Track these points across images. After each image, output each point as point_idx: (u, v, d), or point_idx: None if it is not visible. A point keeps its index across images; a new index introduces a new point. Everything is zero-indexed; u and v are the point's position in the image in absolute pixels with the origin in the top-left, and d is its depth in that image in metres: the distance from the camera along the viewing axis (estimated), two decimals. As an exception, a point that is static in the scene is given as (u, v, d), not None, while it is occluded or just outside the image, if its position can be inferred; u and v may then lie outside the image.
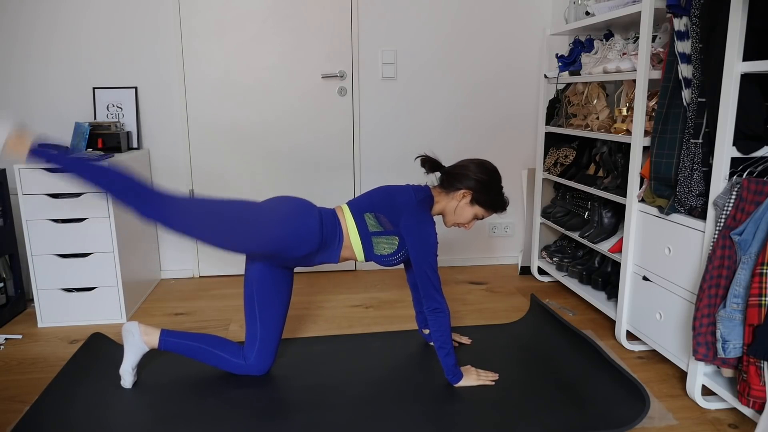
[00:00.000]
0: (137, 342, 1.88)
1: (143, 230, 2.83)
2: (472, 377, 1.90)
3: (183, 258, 3.14)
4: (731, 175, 1.70)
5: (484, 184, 1.92)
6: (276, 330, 1.91)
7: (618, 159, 2.35)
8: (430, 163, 1.95)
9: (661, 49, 2.07)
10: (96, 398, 1.85)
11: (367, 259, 1.93)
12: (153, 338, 1.89)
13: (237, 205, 1.77)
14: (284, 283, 1.91)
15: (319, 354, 2.16)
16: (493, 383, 1.89)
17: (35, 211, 2.39)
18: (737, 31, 1.59)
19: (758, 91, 1.66)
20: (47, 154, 1.72)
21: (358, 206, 1.92)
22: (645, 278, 2.10)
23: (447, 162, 2.01)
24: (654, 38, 2.08)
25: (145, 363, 2.06)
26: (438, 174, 1.99)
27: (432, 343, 2.17)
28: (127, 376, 1.89)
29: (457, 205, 1.94)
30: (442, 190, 1.96)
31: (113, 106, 2.89)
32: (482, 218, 2.00)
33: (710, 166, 1.76)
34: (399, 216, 1.86)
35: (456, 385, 1.88)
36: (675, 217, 1.92)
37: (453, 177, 1.94)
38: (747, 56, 1.60)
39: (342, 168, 3.16)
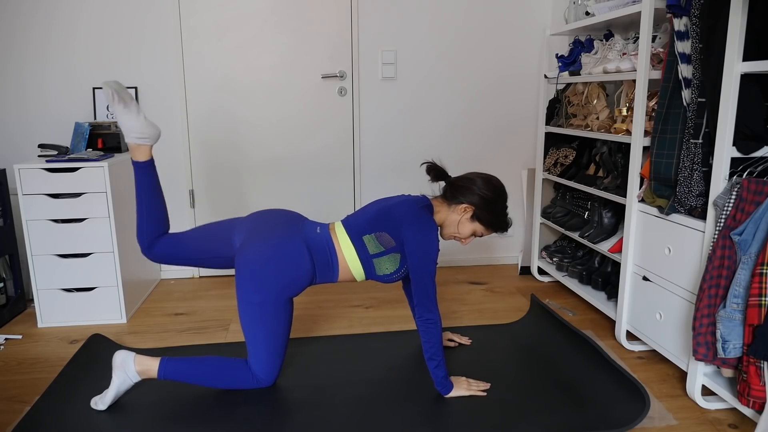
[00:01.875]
0: (130, 375, 1.76)
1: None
2: (462, 388, 1.84)
3: (183, 258, 3.14)
4: (731, 175, 1.70)
5: (488, 202, 1.86)
6: (285, 344, 1.84)
7: (618, 159, 2.35)
8: (435, 171, 1.91)
9: (661, 49, 2.07)
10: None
11: (367, 279, 1.89)
12: (148, 367, 1.77)
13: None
14: (288, 302, 1.83)
15: (319, 354, 2.16)
16: (485, 393, 1.85)
17: (35, 211, 2.39)
18: (737, 31, 1.59)
19: (758, 91, 1.66)
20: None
21: (356, 228, 1.85)
22: (645, 278, 2.10)
23: (448, 164, 1.98)
24: (654, 38, 2.08)
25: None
26: (441, 184, 1.94)
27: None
28: (101, 405, 1.77)
29: (458, 219, 1.89)
30: (444, 200, 1.91)
31: (113, 106, 2.89)
32: (481, 236, 1.94)
33: (710, 166, 1.76)
34: (400, 226, 1.80)
35: (446, 396, 1.84)
36: (675, 217, 1.92)
37: (457, 189, 1.88)
38: (747, 56, 1.60)
39: (342, 168, 3.16)
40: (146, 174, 1.85)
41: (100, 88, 2.87)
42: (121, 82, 2.89)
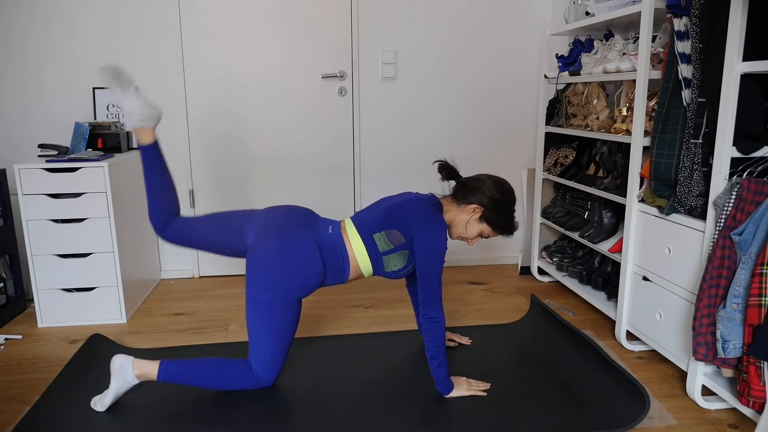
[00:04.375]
0: (129, 379, 1.76)
1: (143, 230, 2.83)
2: (462, 388, 1.85)
3: (183, 258, 3.14)
4: (731, 175, 1.70)
5: (497, 203, 1.87)
6: (289, 345, 1.84)
7: (618, 159, 2.35)
8: (447, 170, 1.91)
9: (661, 49, 2.07)
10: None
11: (374, 275, 1.90)
12: (146, 370, 1.76)
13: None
14: (297, 304, 1.83)
15: (319, 354, 2.16)
16: (485, 393, 1.86)
17: (35, 211, 2.39)
18: (737, 31, 1.59)
19: (758, 91, 1.66)
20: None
21: (366, 226, 1.85)
22: (645, 278, 2.10)
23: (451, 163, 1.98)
24: (654, 38, 2.08)
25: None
26: (451, 183, 1.94)
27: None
28: (99, 406, 1.77)
29: (467, 219, 1.90)
30: (454, 200, 1.92)
31: (113, 106, 2.89)
32: (487, 237, 1.95)
33: (710, 166, 1.76)
34: (411, 223, 1.80)
35: (447, 396, 1.84)
36: (675, 217, 1.92)
37: (467, 189, 1.89)
38: (747, 56, 1.60)
39: (342, 167, 3.16)
40: (152, 157, 1.88)
41: (101, 88, 2.87)
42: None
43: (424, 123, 3.17)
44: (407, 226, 1.81)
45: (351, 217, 1.93)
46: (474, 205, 1.88)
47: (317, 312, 2.63)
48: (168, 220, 1.89)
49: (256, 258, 1.77)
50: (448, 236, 1.93)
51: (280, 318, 1.77)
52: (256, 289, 1.76)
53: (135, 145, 2.92)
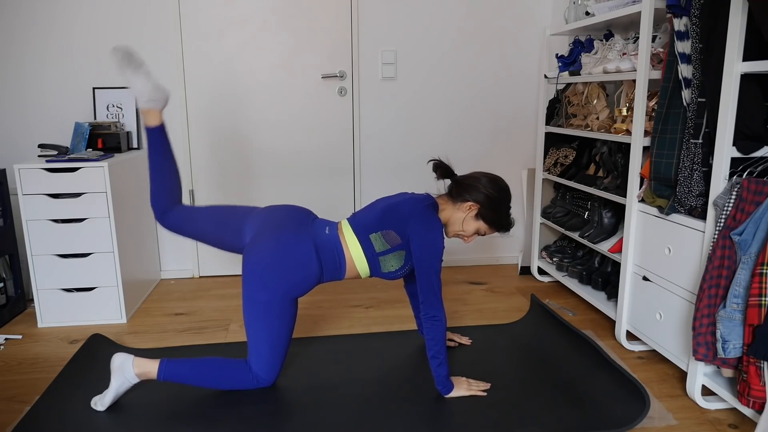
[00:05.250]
0: (129, 378, 1.76)
1: (143, 230, 2.83)
2: (462, 388, 1.85)
3: (183, 258, 3.14)
4: (731, 175, 1.70)
5: (493, 200, 1.88)
6: (287, 344, 1.84)
7: (618, 159, 2.35)
8: (442, 169, 1.92)
9: (661, 49, 2.07)
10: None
11: (372, 276, 1.91)
12: (147, 369, 1.76)
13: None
14: (293, 303, 1.84)
15: (319, 354, 2.16)
16: (485, 394, 1.86)
17: (35, 211, 2.39)
18: (737, 31, 1.59)
19: (758, 91, 1.66)
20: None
21: (362, 227, 1.86)
22: (645, 278, 2.10)
23: (451, 164, 1.99)
24: (654, 38, 2.08)
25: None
26: (446, 182, 1.95)
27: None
28: (100, 406, 1.77)
29: (463, 217, 1.90)
30: (450, 198, 1.93)
31: (113, 106, 2.89)
32: (484, 234, 1.95)
33: (710, 166, 1.76)
34: (406, 224, 1.81)
35: (447, 396, 1.84)
36: (675, 217, 1.92)
37: (462, 187, 1.90)
38: (747, 56, 1.60)
39: (342, 167, 3.16)
40: (158, 139, 1.89)
41: (101, 88, 2.87)
42: (121, 83, 2.90)
43: (424, 123, 3.17)
44: (403, 227, 1.81)
45: (348, 219, 1.93)
46: (470, 203, 1.89)
47: (317, 312, 2.63)
48: (169, 206, 1.90)
49: (252, 257, 1.78)
50: (444, 235, 1.94)
51: (277, 317, 1.77)
52: (252, 289, 1.76)
53: (135, 145, 2.92)
